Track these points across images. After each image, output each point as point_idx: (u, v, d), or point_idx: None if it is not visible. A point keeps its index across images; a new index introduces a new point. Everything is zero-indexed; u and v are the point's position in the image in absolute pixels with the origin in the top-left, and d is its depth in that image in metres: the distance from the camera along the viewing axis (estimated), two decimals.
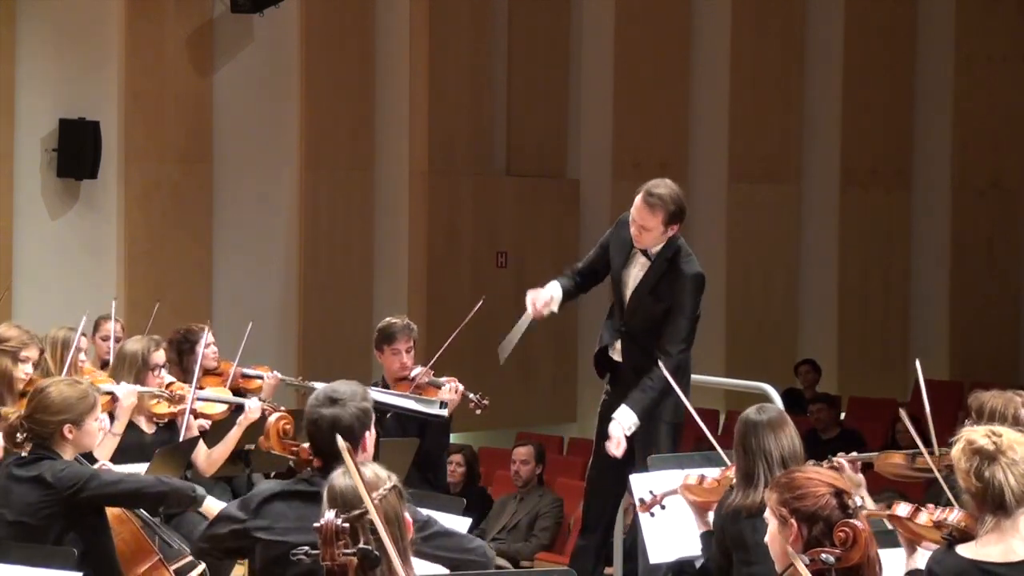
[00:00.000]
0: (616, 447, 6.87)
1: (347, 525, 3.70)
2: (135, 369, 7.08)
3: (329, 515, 3.70)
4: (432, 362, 7.79)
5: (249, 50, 12.46)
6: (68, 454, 5.45)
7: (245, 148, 12.47)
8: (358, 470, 3.75)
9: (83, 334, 7.80)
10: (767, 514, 3.90)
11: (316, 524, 3.72)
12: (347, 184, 12.95)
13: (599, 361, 7.27)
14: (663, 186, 6.88)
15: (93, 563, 5.27)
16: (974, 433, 4.27)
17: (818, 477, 3.85)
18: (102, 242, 11.85)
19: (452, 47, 13.25)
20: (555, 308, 7.08)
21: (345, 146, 12.91)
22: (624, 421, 6.90)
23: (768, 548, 3.92)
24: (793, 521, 3.78)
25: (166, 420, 7.17)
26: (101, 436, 6.67)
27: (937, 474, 5.53)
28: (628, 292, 7.05)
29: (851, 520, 3.74)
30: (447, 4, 13.21)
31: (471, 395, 7.68)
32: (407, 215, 13.19)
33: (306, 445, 4.93)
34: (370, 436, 4.67)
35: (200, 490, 5.69)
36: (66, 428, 5.41)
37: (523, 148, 13.93)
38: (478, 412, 7.77)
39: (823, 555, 3.70)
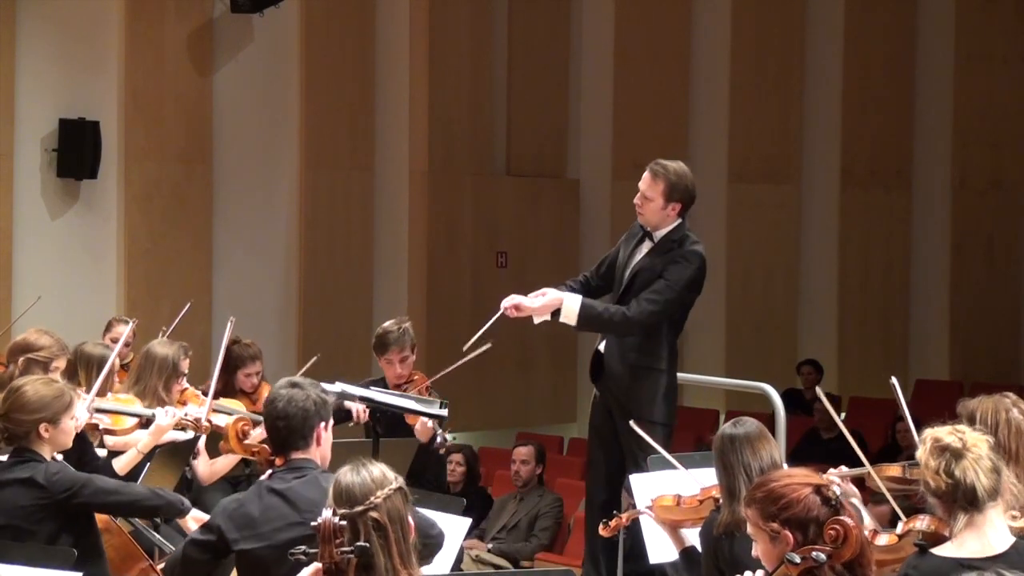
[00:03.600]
0: (515, 307, 6.86)
1: (345, 523, 3.69)
2: (165, 375, 7.01)
3: (327, 513, 3.70)
4: (435, 378, 7.73)
5: (249, 50, 12.46)
6: (47, 452, 5.44)
7: (245, 148, 12.47)
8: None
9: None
10: (750, 530, 3.84)
11: (313, 523, 3.72)
12: (347, 184, 12.95)
13: (593, 364, 7.27)
14: (672, 163, 7.02)
15: (84, 564, 5.25)
16: (938, 432, 4.27)
17: (792, 480, 3.80)
18: (102, 242, 11.84)
19: (452, 47, 13.25)
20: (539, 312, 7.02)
21: (345, 146, 12.91)
22: (569, 301, 6.89)
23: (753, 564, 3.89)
24: (787, 532, 3.73)
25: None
26: (133, 454, 6.67)
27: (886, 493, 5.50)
28: (626, 273, 7.06)
29: (841, 517, 3.71)
30: (447, 4, 13.21)
31: (439, 436, 7.49)
32: (407, 215, 13.19)
33: (266, 445, 4.95)
34: (325, 432, 4.74)
35: (187, 503, 5.69)
36: (42, 427, 5.39)
37: (523, 148, 13.93)
38: (441, 452, 7.61)
39: (814, 553, 3.67)
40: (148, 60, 11.91)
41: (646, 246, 7.07)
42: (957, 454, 4.20)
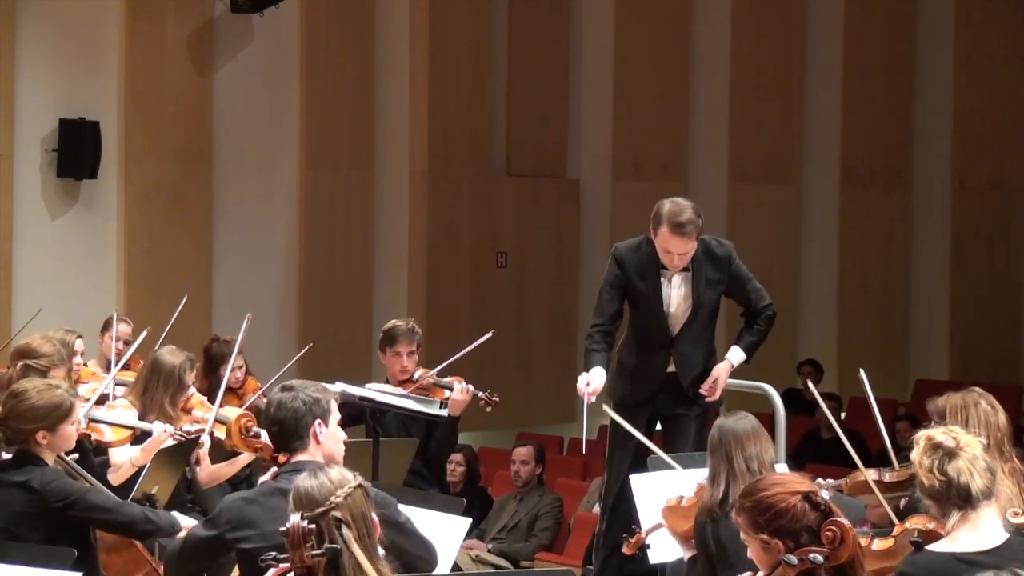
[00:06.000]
0: (716, 390, 7.15)
1: (313, 526, 3.70)
2: (171, 388, 6.92)
3: (294, 518, 3.72)
4: (438, 369, 7.75)
5: (249, 50, 12.46)
6: (47, 457, 5.45)
7: (245, 148, 12.47)
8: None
9: (79, 336, 7.73)
10: (742, 537, 3.84)
11: (282, 528, 3.73)
12: (347, 184, 12.94)
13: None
14: (685, 210, 6.99)
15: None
16: (932, 431, 4.34)
17: (781, 489, 3.78)
18: (102, 242, 11.84)
19: (452, 47, 13.24)
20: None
21: (345, 146, 12.91)
22: (734, 359, 7.24)
23: (738, 548, 3.91)
24: (777, 541, 3.72)
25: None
26: (127, 467, 6.63)
27: (879, 495, 5.55)
28: (671, 304, 7.20)
29: (837, 518, 3.70)
30: (447, 4, 13.20)
31: (480, 393, 7.62)
32: (407, 215, 13.18)
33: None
34: (325, 429, 4.70)
35: (179, 524, 5.68)
36: (40, 435, 5.40)
37: (523, 148, 13.92)
38: (488, 409, 7.71)
39: (811, 555, 3.67)
40: (148, 60, 11.91)
41: (679, 274, 7.18)
42: (951, 453, 4.24)
